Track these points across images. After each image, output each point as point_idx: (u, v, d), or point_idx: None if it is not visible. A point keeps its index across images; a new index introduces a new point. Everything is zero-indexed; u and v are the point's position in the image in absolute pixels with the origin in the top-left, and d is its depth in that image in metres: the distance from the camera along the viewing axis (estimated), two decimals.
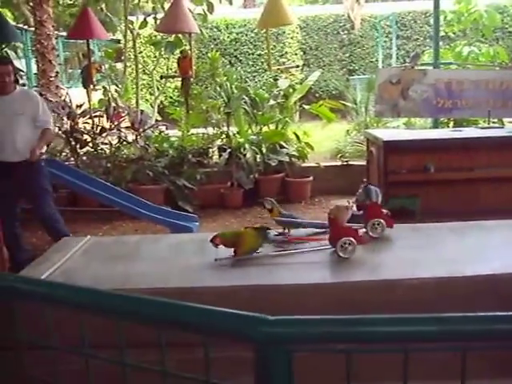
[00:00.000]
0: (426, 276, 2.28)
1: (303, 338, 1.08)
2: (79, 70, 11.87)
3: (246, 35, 14.92)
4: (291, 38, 14.84)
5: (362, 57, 15.03)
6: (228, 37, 14.87)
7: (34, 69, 10.10)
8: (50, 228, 4.95)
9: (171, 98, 14.11)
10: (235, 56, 14.76)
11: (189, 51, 6.97)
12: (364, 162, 6.65)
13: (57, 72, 8.95)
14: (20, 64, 9.91)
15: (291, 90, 7.73)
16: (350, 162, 7.49)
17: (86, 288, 1.33)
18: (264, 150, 7.20)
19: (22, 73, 7.08)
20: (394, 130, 7.31)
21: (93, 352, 1.32)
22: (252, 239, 2.97)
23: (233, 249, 2.83)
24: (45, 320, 1.34)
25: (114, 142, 7.40)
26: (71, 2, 11.41)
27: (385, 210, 3.64)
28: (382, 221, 3.57)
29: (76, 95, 8.37)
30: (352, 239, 3.10)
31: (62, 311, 1.42)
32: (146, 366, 1.27)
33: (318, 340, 1.10)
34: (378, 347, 1.18)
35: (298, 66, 13.02)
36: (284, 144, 7.36)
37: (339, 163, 7.57)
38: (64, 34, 11.82)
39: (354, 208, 5.59)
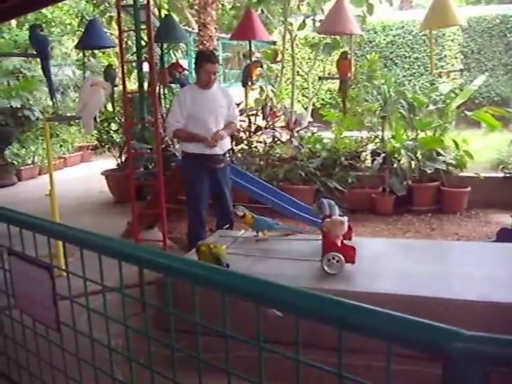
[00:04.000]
0: None
1: (503, 358, 0.99)
2: (238, 70, 12.35)
3: (403, 37, 14.50)
4: (451, 40, 14.15)
5: None
6: (384, 39, 14.57)
7: None
8: (229, 223, 4.72)
9: (323, 99, 14.16)
10: (391, 59, 14.41)
11: (349, 53, 6.90)
12: None
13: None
14: (184, 63, 10.52)
15: (452, 95, 7.35)
16: None
17: (264, 281, 1.33)
18: (420, 157, 6.94)
19: (186, 71, 7.46)
20: None
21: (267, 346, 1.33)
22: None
23: None
24: (215, 308, 1.38)
25: (268, 140, 7.57)
26: (231, 6, 11.89)
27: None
28: None
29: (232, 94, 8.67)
30: (341, 256, 2.91)
31: (242, 302, 1.45)
32: (320, 366, 1.25)
33: None
34: None
35: (462, 70, 12.35)
36: (441, 151, 7.03)
37: (501, 175, 7.05)
38: (223, 35, 12.37)
39: None
